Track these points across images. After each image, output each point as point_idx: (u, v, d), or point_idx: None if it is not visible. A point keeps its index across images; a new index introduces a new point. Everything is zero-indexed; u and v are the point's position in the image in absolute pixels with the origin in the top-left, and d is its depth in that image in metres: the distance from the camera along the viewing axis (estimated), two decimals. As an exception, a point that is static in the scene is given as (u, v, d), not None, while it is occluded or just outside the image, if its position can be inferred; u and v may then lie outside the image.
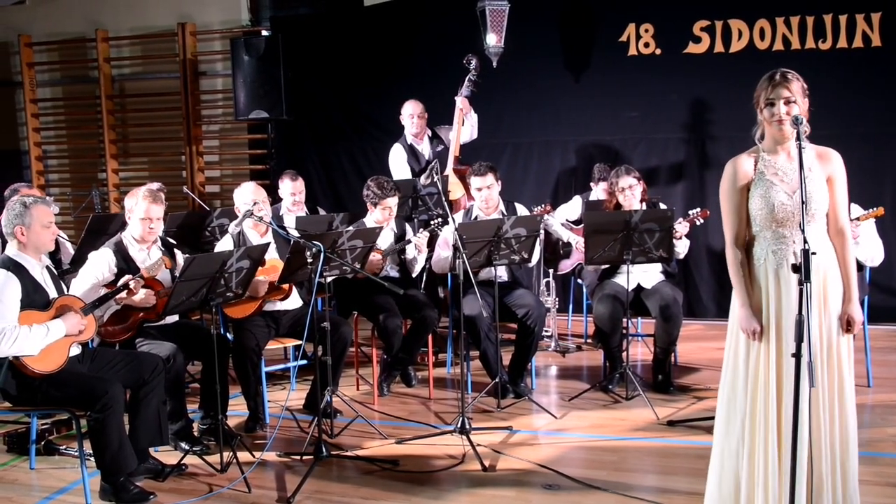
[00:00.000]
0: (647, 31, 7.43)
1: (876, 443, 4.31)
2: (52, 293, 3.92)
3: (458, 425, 4.51)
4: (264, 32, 8.52)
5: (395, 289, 4.48)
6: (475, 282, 4.48)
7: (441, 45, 7.79)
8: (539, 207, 6.01)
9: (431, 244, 5.61)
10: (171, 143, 9.23)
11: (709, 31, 7.27)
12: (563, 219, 6.52)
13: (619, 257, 5.05)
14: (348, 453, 4.38)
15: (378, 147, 7.74)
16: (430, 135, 6.75)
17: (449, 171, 6.49)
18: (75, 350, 3.99)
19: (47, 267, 4.01)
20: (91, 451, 3.81)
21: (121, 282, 4.19)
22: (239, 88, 8.04)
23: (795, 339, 2.72)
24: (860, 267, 4.85)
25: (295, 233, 5.13)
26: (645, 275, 5.42)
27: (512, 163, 7.86)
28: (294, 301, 5.07)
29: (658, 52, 7.43)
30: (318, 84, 8.45)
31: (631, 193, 5.35)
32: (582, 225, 5.49)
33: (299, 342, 4.93)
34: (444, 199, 4.81)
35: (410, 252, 5.52)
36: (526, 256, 5.12)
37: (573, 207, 6.59)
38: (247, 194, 5.05)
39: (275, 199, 6.28)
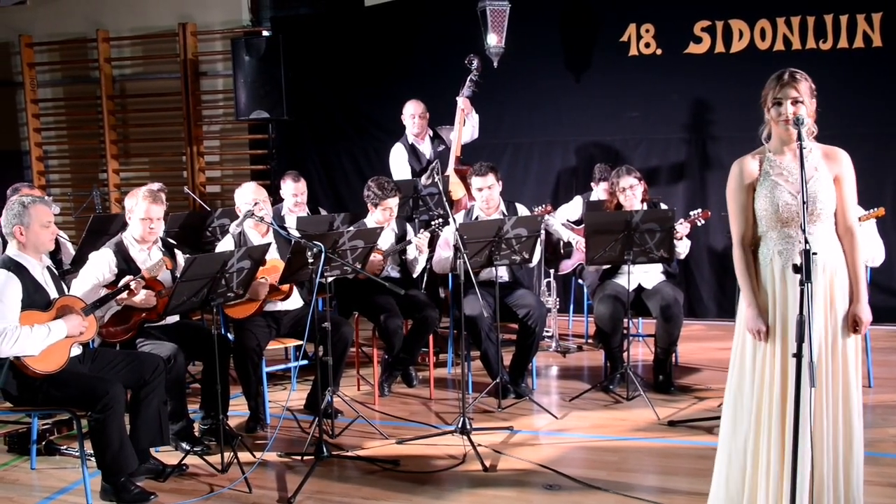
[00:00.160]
0: (647, 31, 7.43)
1: (876, 443, 4.30)
2: (53, 293, 3.92)
3: (459, 425, 4.51)
4: (265, 33, 8.53)
5: (395, 289, 4.48)
6: (476, 282, 4.48)
7: (442, 46, 7.79)
8: (540, 208, 6.01)
9: (432, 245, 5.61)
10: (171, 143, 9.23)
11: (710, 31, 7.27)
12: (564, 219, 6.53)
13: (620, 257, 5.05)
14: (349, 453, 4.38)
15: (379, 147, 7.74)
16: (432, 135, 6.75)
17: (450, 171, 6.49)
18: (76, 350, 3.99)
19: (48, 267, 4.01)
20: (92, 452, 3.81)
21: (122, 282, 4.19)
22: (240, 89, 8.05)
23: (796, 340, 2.72)
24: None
25: (296, 233, 5.13)
26: (646, 275, 5.42)
27: (513, 163, 7.86)
28: (295, 301, 5.07)
29: (659, 52, 7.43)
30: (319, 84, 8.45)
31: (632, 193, 5.35)
32: (583, 225, 5.49)
33: (300, 342, 4.92)
34: (444, 199, 4.81)
35: (411, 252, 5.52)
36: (527, 257, 5.12)
37: (574, 207, 6.59)
38: (248, 194, 5.05)
39: (275, 200, 6.28)
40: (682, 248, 5.42)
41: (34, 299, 3.80)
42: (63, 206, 8.81)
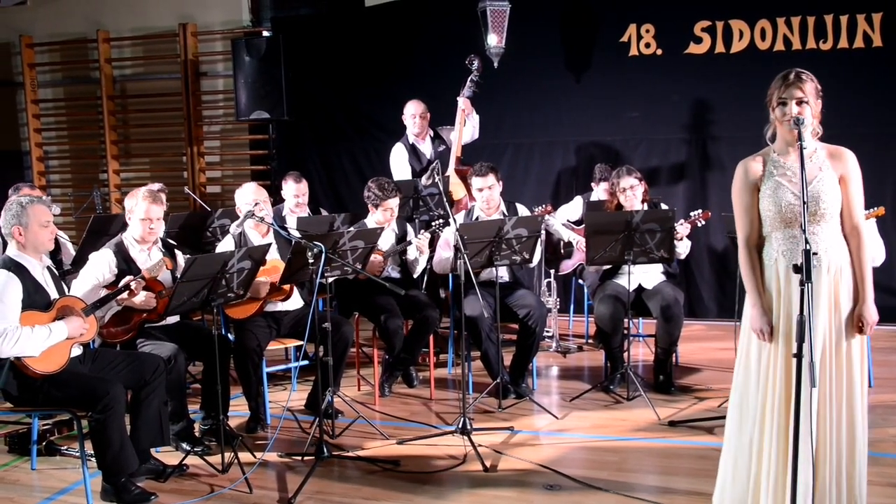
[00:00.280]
0: (648, 31, 7.43)
1: (877, 443, 4.30)
2: (54, 294, 3.92)
3: (460, 426, 4.51)
4: (265, 33, 8.53)
5: (396, 289, 4.48)
6: (476, 282, 4.49)
7: (442, 46, 7.79)
8: (540, 208, 6.01)
9: (433, 245, 5.61)
10: (172, 143, 9.24)
11: (710, 31, 7.27)
12: (565, 219, 6.53)
13: (621, 258, 5.05)
14: (349, 454, 4.38)
15: (379, 148, 7.75)
16: (432, 135, 6.75)
17: (451, 171, 6.49)
18: (76, 351, 3.99)
19: (48, 267, 4.01)
20: (92, 452, 3.81)
21: (122, 283, 4.19)
22: (240, 89, 8.05)
23: (797, 340, 2.72)
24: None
25: (296, 233, 5.13)
26: (646, 275, 5.42)
27: (513, 163, 7.86)
28: (295, 301, 5.07)
29: (659, 52, 7.43)
30: (320, 85, 8.45)
31: (632, 194, 5.35)
32: (583, 225, 5.49)
33: (300, 343, 4.92)
34: (445, 199, 4.81)
35: (412, 253, 5.52)
36: (527, 257, 5.12)
37: (574, 208, 6.59)
38: (248, 195, 5.05)
39: (276, 200, 6.28)
40: (683, 248, 5.42)
41: (34, 299, 3.80)
42: (63, 207, 8.82)
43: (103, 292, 4.25)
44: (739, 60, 7.16)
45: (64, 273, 5.21)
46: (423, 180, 5.52)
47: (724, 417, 4.62)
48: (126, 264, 4.44)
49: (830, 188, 3.04)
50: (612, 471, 4.09)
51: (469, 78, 6.60)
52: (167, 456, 4.28)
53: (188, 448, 4.37)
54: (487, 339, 5.21)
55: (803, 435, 2.81)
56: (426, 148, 6.69)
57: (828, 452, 3.00)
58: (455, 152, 6.58)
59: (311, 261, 4.28)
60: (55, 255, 5.28)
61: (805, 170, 2.89)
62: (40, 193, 6.13)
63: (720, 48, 7.24)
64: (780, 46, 7.08)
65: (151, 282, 4.33)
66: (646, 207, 5.38)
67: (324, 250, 4.20)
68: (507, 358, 5.51)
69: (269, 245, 4.64)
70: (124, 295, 4.16)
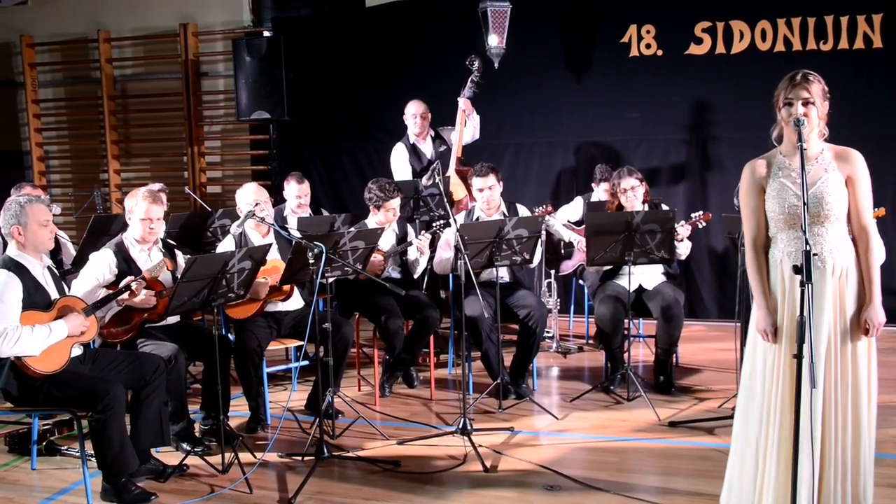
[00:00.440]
0: (648, 32, 7.43)
1: (877, 443, 4.27)
2: (54, 294, 3.92)
3: (460, 426, 4.51)
4: (266, 33, 8.53)
5: (396, 290, 4.48)
6: (476, 283, 4.49)
7: (443, 47, 7.80)
8: (540, 208, 6.01)
9: (433, 246, 5.61)
10: (172, 143, 9.24)
11: (710, 32, 7.27)
12: (565, 220, 6.53)
13: (621, 258, 5.05)
14: (350, 454, 4.38)
15: (380, 148, 7.75)
16: (433, 135, 6.75)
17: (451, 172, 6.50)
18: (77, 351, 3.99)
19: (48, 267, 4.02)
20: (92, 452, 3.81)
21: (122, 283, 4.19)
22: (241, 89, 8.05)
23: (797, 341, 2.72)
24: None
25: (296, 234, 5.13)
26: (646, 276, 5.42)
27: (513, 163, 7.86)
28: (296, 302, 5.07)
29: (659, 53, 7.43)
30: (320, 85, 8.45)
31: (633, 195, 5.35)
32: (583, 226, 5.49)
33: (301, 343, 4.92)
34: (445, 200, 4.81)
35: (412, 254, 5.52)
36: (527, 257, 5.12)
37: (574, 208, 6.60)
38: (248, 195, 5.05)
39: (276, 200, 6.28)
40: (683, 249, 5.42)
41: (35, 299, 3.80)
42: (64, 207, 8.81)
43: (103, 292, 4.25)
44: (740, 61, 7.16)
45: (64, 273, 5.21)
46: (424, 181, 5.52)
47: (724, 418, 4.67)
48: (126, 264, 4.44)
49: (835, 190, 3.02)
50: (612, 471, 4.09)
51: (470, 78, 6.61)
52: (167, 456, 4.28)
53: (188, 448, 4.37)
54: (488, 339, 5.21)
55: (804, 435, 2.81)
56: (427, 148, 6.70)
57: (832, 455, 2.99)
58: (456, 153, 6.59)
59: (311, 261, 4.28)
60: (55, 255, 5.28)
61: (806, 171, 2.89)
62: (41, 193, 6.14)
63: (720, 49, 7.24)
64: (780, 47, 7.08)
65: (152, 282, 4.33)
66: (646, 208, 5.38)
67: (324, 251, 4.20)
68: (508, 358, 5.51)
69: (270, 245, 4.64)
70: (125, 295, 4.16)
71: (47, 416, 4.68)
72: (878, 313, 3.03)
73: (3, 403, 3.87)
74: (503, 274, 5.37)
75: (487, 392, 5.22)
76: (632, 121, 7.59)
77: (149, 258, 4.54)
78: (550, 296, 6.56)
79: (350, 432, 4.72)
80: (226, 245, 5.04)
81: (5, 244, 4.13)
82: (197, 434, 4.57)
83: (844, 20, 6.95)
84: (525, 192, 7.56)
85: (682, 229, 5.31)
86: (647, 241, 5.01)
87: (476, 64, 6.61)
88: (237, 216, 5.16)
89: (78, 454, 4.17)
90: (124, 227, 4.80)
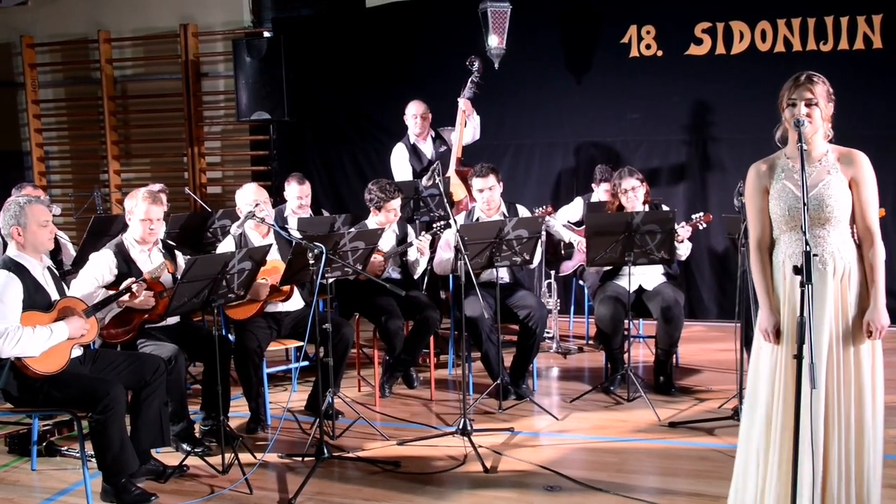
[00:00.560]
0: (648, 32, 7.43)
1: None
2: (54, 294, 3.92)
3: (460, 426, 4.51)
4: (266, 34, 8.53)
5: (396, 290, 4.48)
6: (476, 283, 4.49)
7: (443, 47, 7.80)
8: (540, 209, 6.01)
9: (433, 246, 5.61)
10: (172, 144, 9.24)
11: (710, 32, 7.27)
12: (565, 220, 6.53)
13: (621, 259, 5.05)
14: (350, 455, 4.38)
15: (380, 148, 7.75)
16: (434, 136, 6.76)
17: (451, 172, 6.50)
18: (77, 351, 3.99)
19: (48, 268, 4.01)
20: (92, 453, 3.81)
21: (123, 285, 4.19)
22: (241, 90, 8.05)
23: (796, 341, 2.72)
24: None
25: (297, 234, 5.13)
26: (646, 276, 5.42)
27: (514, 164, 7.86)
28: (296, 302, 5.07)
29: (660, 53, 7.43)
30: (321, 85, 8.45)
31: (634, 195, 5.35)
32: (583, 226, 5.49)
33: (301, 343, 4.92)
34: (445, 200, 4.81)
35: (412, 254, 5.52)
36: (527, 258, 5.12)
37: (574, 209, 6.60)
38: (248, 195, 5.05)
39: (277, 201, 6.28)
40: (684, 250, 5.42)
41: (35, 300, 3.80)
42: (64, 207, 8.81)
43: (103, 292, 4.25)
44: (740, 62, 7.16)
45: (64, 273, 5.21)
46: (424, 181, 5.52)
47: (724, 419, 4.68)
48: (126, 265, 4.44)
49: (837, 191, 3.01)
50: (612, 472, 4.09)
51: (470, 79, 6.61)
52: (167, 456, 4.28)
53: (188, 449, 4.37)
54: (488, 339, 5.21)
55: (804, 436, 2.81)
56: (427, 148, 6.70)
57: (836, 457, 2.97)
58: (456, 153, 6.59)
59: (311, 262, 4.28)
60: (55, 255, 5.28)
61: (807, 172, 2.88)
62: (41, 193, 6.14)
63: (721, 49, 7.24)
64: (780, 48, 7.07)
65: (152, 283, 4.32)
66: (647, 209, 5.38)
67: (324, 251, 4.20)
68: (508, 359, 5.51)
69: (270, 246, 4.64)
70: (125, 297, 4.16)
71: (47, 417, 4.68)
72: (881, 316, 3.00)
73: (3, 404, 3.88)
74: (503, 274, 5.37)
75: (487, 392, 5.22)
76: (632, 121, 7.58)
77: (149, 259, 4.54)
78: (550, 296, 6.56)
79: (350, 433, 4.72)
80: (226, 246, 5.04)
81: (5, 245, 4.14)
82: (197, 435, 4.57)
83: (844, 21, 6.95)
84: (525, 192, 7.56)
85: (683, 230, 5.31)
86: (647, 241, 5.01)
87: (476, 64, 6.62)
88: (237, 217, 5.16)
89: (78, 455, 4.17)
90: (124, 227, 4.80)
